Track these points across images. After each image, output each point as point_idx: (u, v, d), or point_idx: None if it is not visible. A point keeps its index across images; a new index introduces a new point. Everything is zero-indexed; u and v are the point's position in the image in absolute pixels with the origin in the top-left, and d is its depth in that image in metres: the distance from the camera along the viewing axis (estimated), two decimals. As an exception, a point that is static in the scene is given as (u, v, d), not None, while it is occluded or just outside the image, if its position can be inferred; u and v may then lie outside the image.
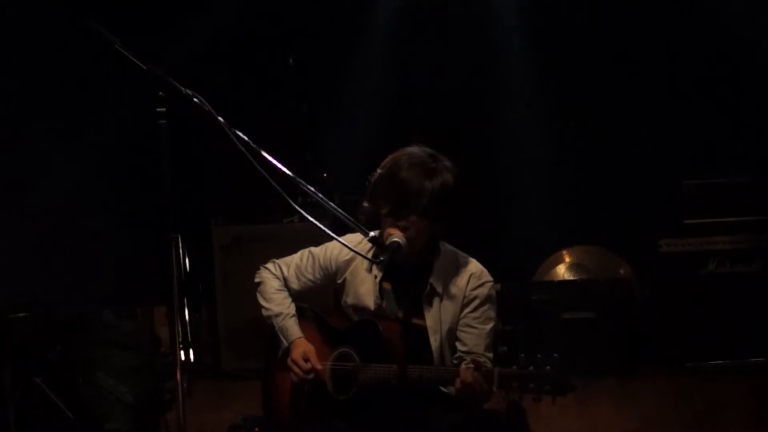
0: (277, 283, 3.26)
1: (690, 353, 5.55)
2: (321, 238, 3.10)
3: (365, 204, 3.10)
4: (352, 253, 3.09)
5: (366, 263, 3.13)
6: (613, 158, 6.32)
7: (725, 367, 5.49)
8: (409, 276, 3.10)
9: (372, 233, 2.95)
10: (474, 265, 3.12)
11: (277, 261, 3.31)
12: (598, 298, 5.63)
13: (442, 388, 2.99)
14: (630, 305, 5.67)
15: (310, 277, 3.24)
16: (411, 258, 3.06)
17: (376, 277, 3.12)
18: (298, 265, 3.26)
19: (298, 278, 3.25)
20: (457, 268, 3.10)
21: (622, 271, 5.97)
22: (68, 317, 4.37)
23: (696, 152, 6.09)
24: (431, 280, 3.07)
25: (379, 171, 3.05)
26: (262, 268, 3.32)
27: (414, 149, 3.04)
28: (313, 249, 3.26)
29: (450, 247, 3.15)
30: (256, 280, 3.30)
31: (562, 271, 6.02)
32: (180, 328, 3.95)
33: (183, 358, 5.67)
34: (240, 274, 5.79)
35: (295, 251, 3.32)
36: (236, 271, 5.83)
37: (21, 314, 4.15)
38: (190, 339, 5.78)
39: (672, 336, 5.60)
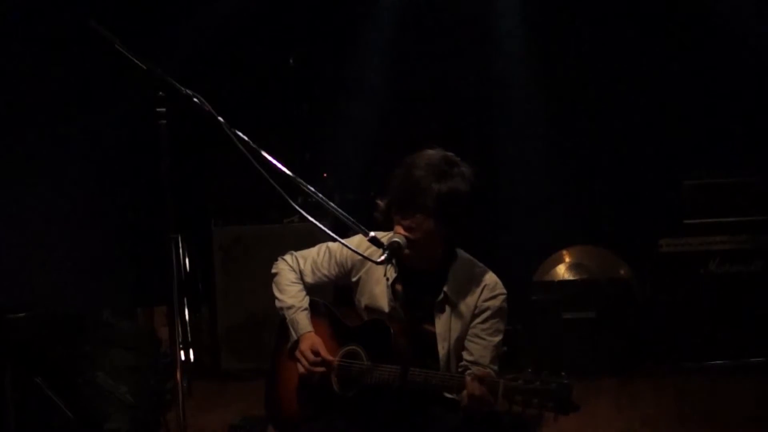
0: (293, 275, 3.25)
1: (690, 353, 5.56)
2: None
3: (379, 202, 3.08)
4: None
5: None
6: (613, 158, 6.33)
7: (725, 367, 5.49)
8: (423, 281, 3.09)
9: (372, 233, 2.94)
10: (489, 277, 3.10)
11: (294, 253, 3.30)
12: (598, 298, 5.64)
13: (446, 394, 2.98)
14: (630, 305, 5.67)
15: (325, 272, 3.24)
16: (425, 263, 3.05)
17: (388, 279, 3.11)
18: (314, 259, 3.25)
19: (313, 272, 3.25)
20: (472, 277, 3.08)
21: (622, 271, 5.97)
22: (68, 317, 4.37)
23: (696, 152, 6.09)
24: (445, 288, 3.06)
25: (396, 170, 3.04)
26: (279, 259, 3.31)
27: (433, 152, 3.01)
28: (330, 244, 3.24)
29: (467, 255, 3.14)
30: (273, 270, 3.29)
31: (562, 271, 6.02)
32: (180, 328, 3.96)
33: (183, 358, 5.67)
34: (240, 274, 5.80)
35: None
36: (236, 271, 5.84)
37: (21, 314, 4.15)
38: (190, 339, 5.79)
39: (672, 336, 5.60)
